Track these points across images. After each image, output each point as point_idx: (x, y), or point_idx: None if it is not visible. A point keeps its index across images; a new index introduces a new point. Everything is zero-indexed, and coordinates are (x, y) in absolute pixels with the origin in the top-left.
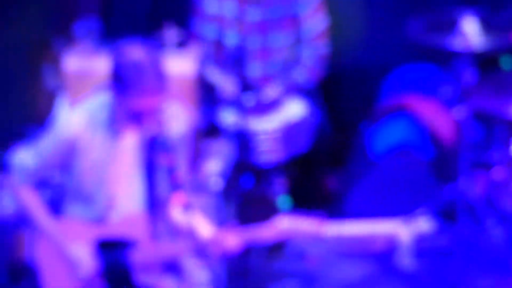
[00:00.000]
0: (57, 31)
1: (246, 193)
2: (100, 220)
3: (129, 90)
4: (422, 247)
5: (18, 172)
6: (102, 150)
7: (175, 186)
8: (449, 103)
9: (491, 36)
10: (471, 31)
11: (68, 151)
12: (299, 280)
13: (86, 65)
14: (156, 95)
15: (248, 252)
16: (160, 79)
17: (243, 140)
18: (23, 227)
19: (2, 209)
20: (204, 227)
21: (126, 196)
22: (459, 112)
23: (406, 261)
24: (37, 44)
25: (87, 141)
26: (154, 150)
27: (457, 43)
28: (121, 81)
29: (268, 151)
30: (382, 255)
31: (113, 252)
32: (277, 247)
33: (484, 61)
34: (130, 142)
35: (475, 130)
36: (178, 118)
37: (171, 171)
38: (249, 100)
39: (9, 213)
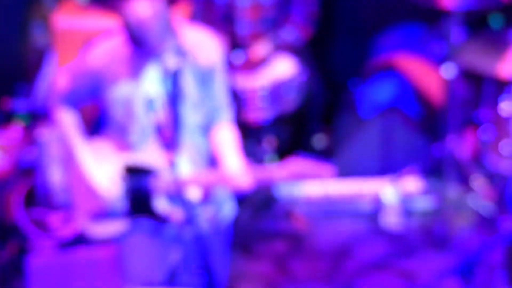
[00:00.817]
0: None
1: None
2: (133, 147)
3: (140, 45)
4: (409, 207)
5: (54, 93)
6: (128, 83)
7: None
8: (438, 61)
9: None
10: None
11: (94, 82)
12: (287, 239)
13: (76, 22)
14: (168, 42)
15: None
16: (168, 31)
17: (232, 98)
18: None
19: None
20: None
21: (152, 128)
22: (448, 71)
23: (393, 220)
24: (27, 0)
25: (112, 75)
26: (177, 82)
27: (446, 2)
28: (130, 35)
29: (257, 109)
30: (370, 215)
31: (137, 178)
32: (265, 206)
33: (473, 20)
34: (154, 74)
35: (463, 89)
36: (203, 48)
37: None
38: (238, 57)
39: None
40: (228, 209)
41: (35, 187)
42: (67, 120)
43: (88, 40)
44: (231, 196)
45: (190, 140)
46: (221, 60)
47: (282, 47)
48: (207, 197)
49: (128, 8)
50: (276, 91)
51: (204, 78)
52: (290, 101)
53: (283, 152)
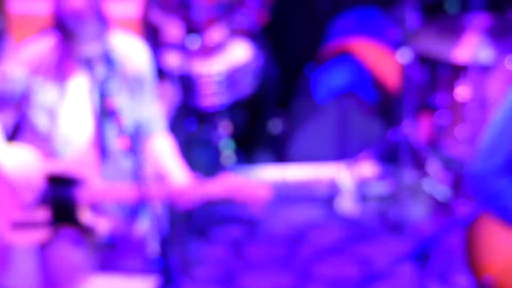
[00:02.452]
0: None
1: (189, 136)
2: (52, 156)
3: (71, 37)
4: (365, 192)
5: None
6: (51, 96)
7: (120, 130)
8: (393, 46)
9: None
10: None
11: (15, 93)
12: (242, 224)
13: (31, 6)
14: (99, 40)
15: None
16: (102, 25)
17: (187, 83)
18: None
19: None
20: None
21: (78, 136)
22: (404, 55)
23: (348, 205)
24: None
25: (35, 87)
26: (103, 94)
27: None
28: (64, 28)
29: (212, 94)
30: (325, 200)
31: (61, 188)
32: None
33: (428, 4)
34: (80, 85)
35: (419, 73)
36: (131, 56)
37: (115, 115)
38: (194, 42)
39: None
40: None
41: None
42: None
43: (44, 25)
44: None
45: (115, 151)
46: (150, 68)
47: (237, 32)
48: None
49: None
50: (232, 76)
51: (133, 88)
52: (246, 86)
53: (239, 137)
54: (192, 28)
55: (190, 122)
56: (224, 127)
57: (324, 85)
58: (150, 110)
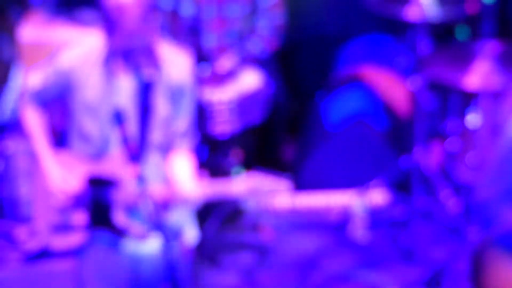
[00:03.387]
0: (13, 0)
1: (201, 164)
2: (95, 157)
3: (116, 30)
4: (376, 219)
5: (25, 90)
6: (97, 89)
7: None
8: (404, 73)
9: (446, 7)
10: (426, 2)
11: (64, 82)
12: (254, 251)
13: (42, 35)
14: (143, 35)
15: (202, 223)
16: (144, 19)
17: (198, 111)
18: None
19: None
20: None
21: (118, 137)
22: (414, 83)
23: (360, 232)
24: None
25: (83, 78)
26: (147, 96)
27: (412, 14)
28: (109, 21)
29: (223, 122)
30: (337, 227)
31: (99, 189)
32: (232, 219)
33: (439, 32)
34: (126, 85)
35: (430, 101)
36: (176, 64)
37: (156, 118)
38: (205, 70)
39: None
40: (190, 230)
41: (1, 200)
42: (34, 119)
43: (55, 54)
44: (193, 216)
45: (152, 155)
46: (192, 78)
47: (248, 60)
48: (165, 210)
49: None
50: (242, 104)
51: (175, 95)
52: (257, 114)
53: (250, 164)
54: (203, 56)
55: (201, 149)
56: (235, 155)
57: (335, 112)
58: (184, 124)
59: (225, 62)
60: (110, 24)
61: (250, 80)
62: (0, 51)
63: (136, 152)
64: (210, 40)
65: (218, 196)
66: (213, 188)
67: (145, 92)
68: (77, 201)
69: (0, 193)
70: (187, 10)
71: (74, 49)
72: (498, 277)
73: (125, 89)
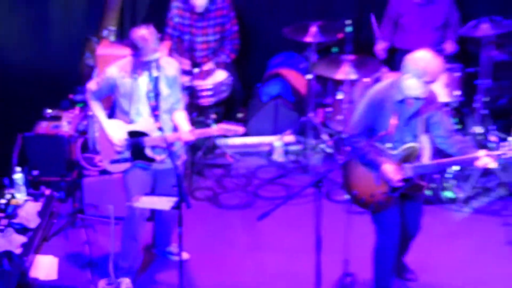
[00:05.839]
0: (93, 33)
1: (192, 120)
2: (129, 122)
3: (139, 50)
4: (288, 149)
5: (87, 92)
6: (129, 85)
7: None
8: (303, 72)
9: (327, 35)
10: (314, 32)
11: (110, 85)
12: (222, 168)
13: (108, 51)
14: (153, 52)
15: (194, 152)
16: (155, 45)
17: (192, 91)
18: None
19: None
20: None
21: (144, 110)
22: (309, 76)
23: (279, 157)
24: (83, 40)
25: (121, 80)
26: (156, 85)
27: (308, 39)
28: (135, 46)
29: (207, 97)
30: (267, 153)
31: (136, 137)
32: (211, 149)
33: (322, 48)
34: (144, 80)
35: (316, 86)
36: (169, 67)
37: (161, 97)
38: (196, 70)
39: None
40: (186, 156)
41: (86, 141)
42: (96, 106)
43: (115, 61)
44: (186, 147)
45: (163, 116)
46: (179, 73)
47: (219, 65)
48: (172, 146)
49: (138, 31)
50: (216, 88)
51: (170, 83)
52: (224, 93)
53: (220, 121)
54: (195, 62)
55: (194, 112)
56: (212, 116)
57: (266, 92)
58: (178, 96)
59: (207, 66)
60: (136, 47)
61: (221, 75)
62: (87, 60)
63: (156, 115)
64: (199, 54)
65: (202, 136)
66: (200, 132)
67: (155, 83)
68: (124, 146)
69: (86, 138)
70: (186, 37)
71: (115, 65)
72: (354, 175)
73: (145, 81)
